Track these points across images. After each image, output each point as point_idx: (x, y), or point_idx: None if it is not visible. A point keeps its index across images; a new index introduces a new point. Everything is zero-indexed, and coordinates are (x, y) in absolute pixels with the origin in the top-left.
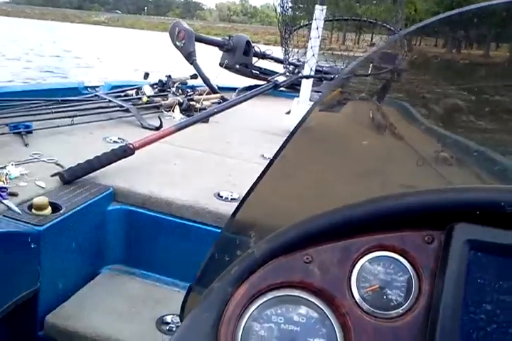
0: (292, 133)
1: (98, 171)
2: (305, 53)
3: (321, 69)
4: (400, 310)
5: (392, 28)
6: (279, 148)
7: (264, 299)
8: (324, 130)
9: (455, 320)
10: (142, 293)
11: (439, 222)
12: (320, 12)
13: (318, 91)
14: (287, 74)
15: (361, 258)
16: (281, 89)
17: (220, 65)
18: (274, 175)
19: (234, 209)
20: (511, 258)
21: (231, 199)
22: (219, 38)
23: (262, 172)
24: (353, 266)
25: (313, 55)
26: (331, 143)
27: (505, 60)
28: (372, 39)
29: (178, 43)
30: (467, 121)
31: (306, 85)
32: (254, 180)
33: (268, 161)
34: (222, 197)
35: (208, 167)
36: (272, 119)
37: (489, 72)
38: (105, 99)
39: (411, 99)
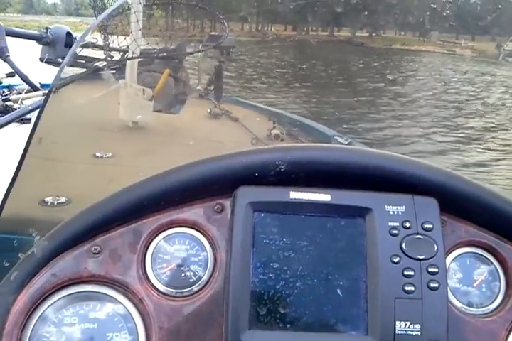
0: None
1: None
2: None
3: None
4: (198, 285)
5: (217, 13)
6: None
7: (52, 300)
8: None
9: (245, 285)
10: None
11: (226, 189)
12: None
13: (154, 71)
14: (108, 58)
15: (154, 238)
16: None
17: (41, 60)
18: (36, 169)
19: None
20: (290, 213)
21: (57, 203)
22: (35, 31)
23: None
24: (147, 248)
25: (135, 39)
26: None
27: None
28: (203, 25)
29: None
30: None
31: (130, 68)
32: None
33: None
34: (47, 202)
35: (30, 172)
36: (107, 112)
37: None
38: None
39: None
